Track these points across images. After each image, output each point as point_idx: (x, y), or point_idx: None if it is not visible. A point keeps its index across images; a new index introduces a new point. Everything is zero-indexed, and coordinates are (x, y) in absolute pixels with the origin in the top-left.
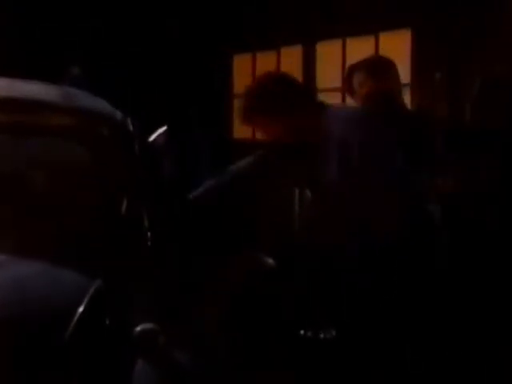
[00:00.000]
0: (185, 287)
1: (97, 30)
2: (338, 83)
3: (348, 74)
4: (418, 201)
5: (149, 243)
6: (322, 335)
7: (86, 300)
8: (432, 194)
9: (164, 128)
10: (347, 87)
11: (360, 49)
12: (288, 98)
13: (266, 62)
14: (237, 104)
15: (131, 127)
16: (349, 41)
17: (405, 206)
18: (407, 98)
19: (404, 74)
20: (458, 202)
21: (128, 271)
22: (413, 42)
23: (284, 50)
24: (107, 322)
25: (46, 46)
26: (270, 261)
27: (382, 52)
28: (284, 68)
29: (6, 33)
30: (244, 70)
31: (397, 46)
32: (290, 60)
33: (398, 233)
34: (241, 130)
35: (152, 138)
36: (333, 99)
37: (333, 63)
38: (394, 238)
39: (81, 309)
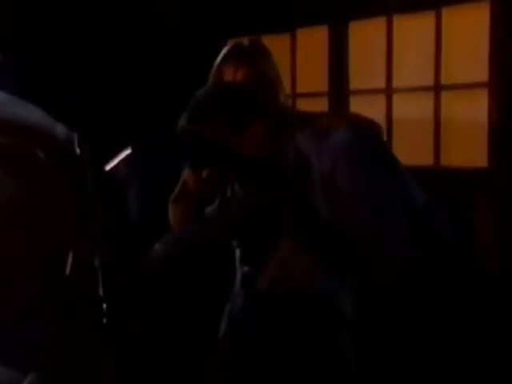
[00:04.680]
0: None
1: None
2: (380, 80)
3: None
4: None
5: (104, 320)
6: None
7: None
8: None
9: (127, 151)
10: None
11: (413, 30)
12: None
13: (276, 48)
14: None
15: (79, 149)
16: (397, 18)
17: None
18: (484, 102)
19: (479, 67)
20: None
21: (76, 361)
22: (493, 20)
23: (302, 32)
24: None
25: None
26: None
27: (445, 34)
28: (301, 57)
29: None
30: None
31: (468, 27)
32: (311, 46)
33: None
34: None
35: (110, 164)
36: (372, 105)
37: (373, 51)
38: None
39: None
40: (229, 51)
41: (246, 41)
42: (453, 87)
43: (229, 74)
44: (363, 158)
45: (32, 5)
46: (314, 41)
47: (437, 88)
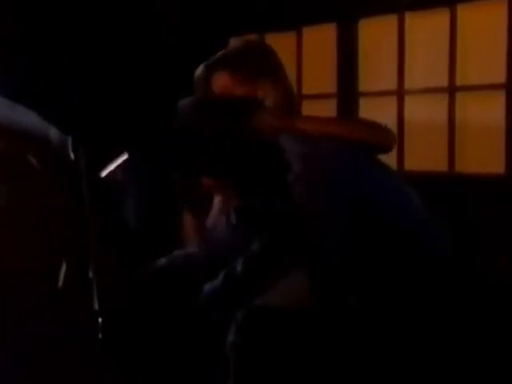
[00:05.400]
0: None
1: None
2: (391, 81)
3: None
4: None
5: (100, 335)
6: None
7: None
8: None
9: (124, 156)
10: None
11: (426, 28)
12: None
13: (280, 47)
14: None
15: (73, 154)
16: (409, 16)
17: None
18: (501, 104)
19: (496, 67)
20: None
21: (76, 361)
22: (511, 17)
23: (308, 30)
24: None
25: None
26: None
27: (461, 32)
28: (308, 56)
29: None
30: None
31: (484, 24)
32: (318, 45)
33: None
34: None
35: (106, 171)
36: (383, 108)
37: (384, 50)
38: None
39: None
40: (217, 58)
41: (237, 43)
42: (468, 88)
43: (217, 84)
44: (348, 164)
45: (32, 5)
46: (321, 39)
47: (451, 89)
